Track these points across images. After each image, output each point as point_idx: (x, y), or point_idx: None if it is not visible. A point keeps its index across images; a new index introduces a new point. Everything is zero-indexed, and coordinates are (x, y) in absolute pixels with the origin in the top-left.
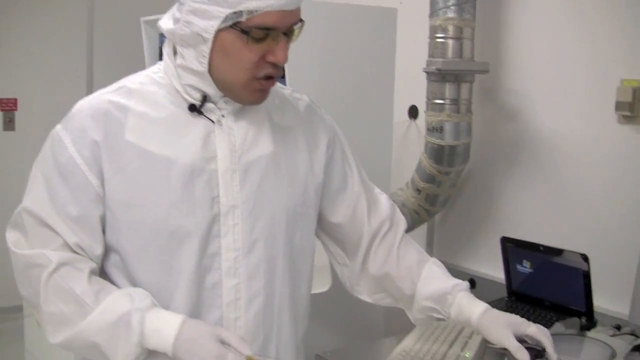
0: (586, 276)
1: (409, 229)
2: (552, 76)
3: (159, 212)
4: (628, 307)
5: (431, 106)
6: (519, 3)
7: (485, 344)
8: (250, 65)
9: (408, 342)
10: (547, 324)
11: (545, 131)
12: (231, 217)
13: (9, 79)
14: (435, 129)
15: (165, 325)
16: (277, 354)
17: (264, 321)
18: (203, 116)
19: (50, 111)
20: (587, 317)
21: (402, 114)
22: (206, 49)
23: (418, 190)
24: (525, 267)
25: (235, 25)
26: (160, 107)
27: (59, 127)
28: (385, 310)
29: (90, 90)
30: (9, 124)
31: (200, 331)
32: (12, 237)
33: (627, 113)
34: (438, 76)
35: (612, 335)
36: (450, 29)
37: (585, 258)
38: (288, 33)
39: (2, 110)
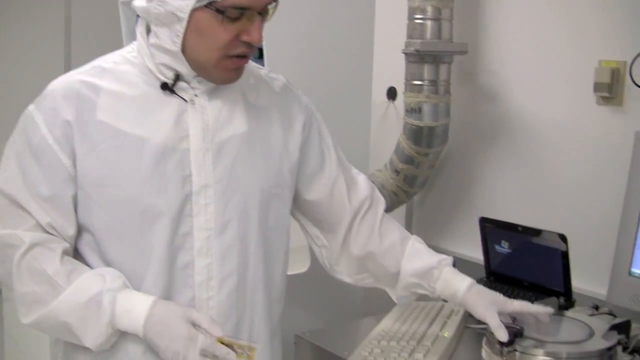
0: (564, 256)
1: (387, 210)
2: (530, 57)
3: (130, 191)
4: (606, 288)
5: (410, 87)
6: None
7: (464, 323)
8: (224, 44)
9: (387, 322)
10: None
11: (524, 112)
12: (203, 196)
13: None
14: (413, 110)
15: (136, 307)
16: (250, 335)
17: (237, 302)
18: (176, 95)
19: (27, 93)
20: (566, 297)
21: (380, 95)
22: (180, 28)
23: (397, 172)
24: (504, 247)
25: (210, 5)
26: (133, 86)
27: (31, 107)
28: (364, 291)
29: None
30: None
31: (170, 312)
32: None
33: (605, 94)
34: (416, 57)
35: (591, 315)
36: (429, 9)
37: (563, 238)
38: (263, 13)
39: None
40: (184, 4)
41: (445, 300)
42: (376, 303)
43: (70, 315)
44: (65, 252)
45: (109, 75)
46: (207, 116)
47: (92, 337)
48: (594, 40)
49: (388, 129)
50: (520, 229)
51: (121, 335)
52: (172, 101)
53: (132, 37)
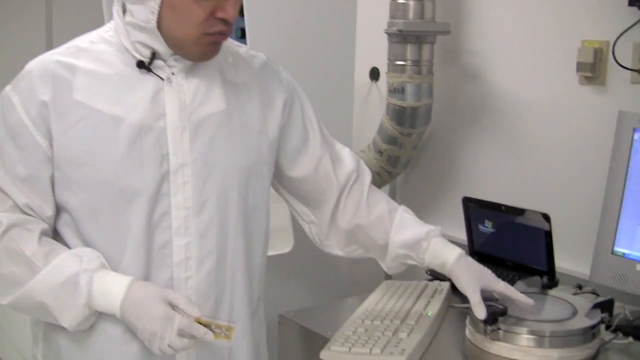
0: (548, 236)
1: None
2: (513, 37)
3: (107, 171)
4: (589, 267)
5: (392, 67)
6: None
7: (447, 303)
8: (200, 21)
9: (371, 302)
10: (509, 283)
11: (507, 92)
12: (181, 175)
13: None
14: (396, 91)
15: (112, 287)
16: (230, 315)
17: (216, 281)
18: (152, 74)
19: (8, 74)
20: (549, 277)
21: (363, 76)
22: (155, 5)
23: (380, 152)
24: (487, 227)
25: None
26: (109, 65)
27: (8, 88)
28: (348, 271)
29: None
30: None
31: (147, 293)
32: None
33: (588, 74)
34: (399, 37)
35: (574, 294)
36: None
37: (546, 218)
38: None
39: None
40: None
41: (431, 276)
42: (360, 283)
43: (46, 296)
44: (43, 233)
45: (86, 54)
46: (183, 94)
47: (69, 317)
48: (577, 20)
49: (371, 110)
50: (503, 208)
51: (100, 316)
52: (148, 80)
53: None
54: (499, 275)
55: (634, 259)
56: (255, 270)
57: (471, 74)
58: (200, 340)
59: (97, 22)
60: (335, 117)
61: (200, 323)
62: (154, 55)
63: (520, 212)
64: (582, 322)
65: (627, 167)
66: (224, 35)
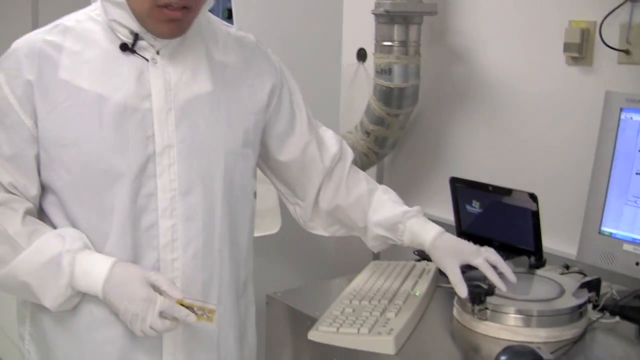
0: (535, 216)
1: None
2: (500, 18)
3: (91, 151)
4: (576, 248)
5: (379, 48)
6: None
7: (435, 282)
8: None
9: (358, 282)
10: None
11: (494, 72)
12: (167, 156)
13: None
14: (383, 71)
15: (95, 268)
16: (218, 296)
17: (202, 263)
18: (137, 55)
19: None
20: (536, 257)
21: (350, 56)
22: None
23: (367, 133)
24: (475, 207)
25: None
26: (95, 44)
27: None
28: (335, 251)
29: None
30: None
31: (130, 274)
32: None
33: (575, 54)
34: (386, 18)
35: (561, 274)
36: None
37: (534, 198)
38: None
39: None
40: None
41: (418, 257)
42: (348, 263)
43: (29, 276)
44: (27, 212)
45: (72, 33)
46: (169, 75)
47: (52, 297)
48: (564, 1)
49: (358, 91)
50: (490, 188)
51: (86, 297)
52: (133, 60)
53: None
54: None
55: (620, 239)
56: (242, 251)
57: (458, 55)
58: (182, 322)
59: (83, 1)
60: (323, 98)
61: (182, 305)
62: (137, 37)
63: (508, 192)
64: (569, 301)
65: (614, 147)
66: (178, 11)
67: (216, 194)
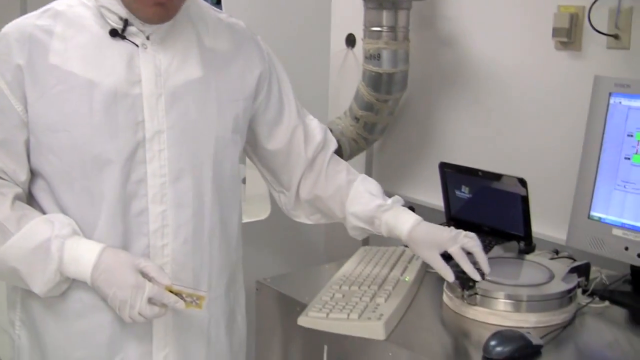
0: (524, 201)
1: (347, 158)
2: (489, 3)
3: (81, 137)
4: (566, 233)
5: (368, 34)
6: None
7: (425, 268)
8: None
9: (348, 268)
10: (486, 248)
11: (483, 58)
12: (157, 142)
13: None
14: (372, 57)
15: (84, 254)
16: (208, 282)
17: (192, 249)
18: (127, 40)
19: None
20: (526, 242)
21: (339, 42)
22: None
23: (356, 119)
24: (464, 192)
25: None
26: (85, 29)
27: None
28: (325, 237)
29: None
30: None
31: (118, 260)
32: None
33: (564, 39)
34: (375, 3)
35: (551, 259)
36: None
37: (523, 183)
38: None
39: None
40: None
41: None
42: (337, 249)
43: (18, 261)
44: (17, 198)
45: (62, 18)
46: (159, 61)
47: (40, 283)
48: None
49: (347, 76)
50: (480, 173)
51: (75, 283)
52: (123, 46)
53: None
54: None
55: (610, 224)
56: (231, 237)
57: (447, 40)
58: (171, 309)
59: None
60: (312, 84)
61: (171, 291)
62: (127, 22)
63: (497, 177)
64: (558, 286)
65: (603, 131)
66: None
67: (206, 179)
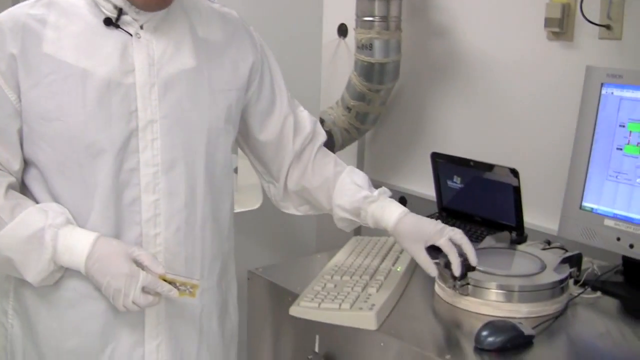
0: (516, 191)
1: (339, 148)
2: None
3: (75, 126)
4: (558, 223)
5: (360, 24)
6: None
7: None
8: None
9: (340, 258)
10: (478, 239)
11: (475, 48)
12: (150, 131)
13: None
14: (364, 47)
15: (78, 243)
16: (201, 271)
17: (185, 238)
18: (121, 29)
19: None
20: (518, 232)
21: (331, 32)
22: None
23: (348, 109)
24: (456, 182)
25: None
26: (79, 18)
27: None
28: (317, 227)
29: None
30: None
31: (112, 249)
32: None
33: (556, 29)
34: None
35: (543, 249)
36: None
37: (515, 173)
38: None
39: None
40: None
41: None
42: (329, 239)
43: (12, 250)
44: (10, 187)
45: (56, 7)
46: (152, 50)
47: (34, 272)
48: None
49: (339, 66)
50: (472, 164)
51: (68, 272)
52: (117, 35)
53: None
54: (468, 231)
55: (602, 214)
56: (223, 226)
57: (439, 30)
58: (165, 298)
59: None
60: (304, 74)
61: (165, 280)
62: (121, 11)
63: (489, 167)
64: (550, 276)
65: (595, 122)
66: None
67: (198, 169)
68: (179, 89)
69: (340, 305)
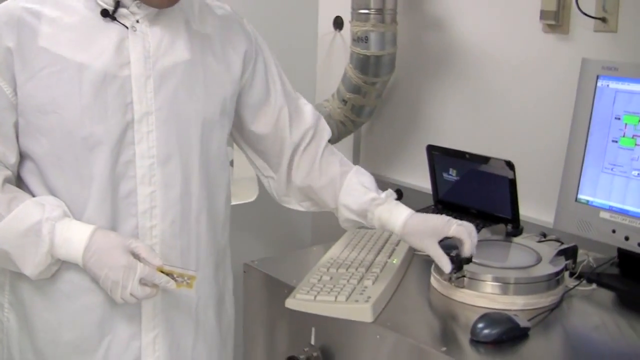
0: (512, 183)
1: (335, 141)
2: None
3: (71, 119)
4: (553, 216)
5: (356, 16)
6: None
7: (412, 250)
8: None
9: (336, 250)
10: None
11: (470, 40)
12: (145, 123)
13: None
14: (360, 39)
15: (75, 236)
16: (197, 263)
17: (180, 230)
18: (117, 22)
19: None
20: (513, 224)
21: (326, 25)
22: None
23: (344, 101)
24: (452, 175)
25: None
26: (74, 12)
27: None
28: (312, 220)
29: None
30: None
31: (109, 242)
32: None
33: (551, 22)
34: None
35: (538, 241)
36: None
37: (510, 166)
38: None
39: None
40: None
41: None
42: (325, 231)
43: (9, 244)
44: (6, 180)
45: (51, 1)
46: (148, 43)
47: (31, 266)
48: None
49: (335, 59)
50: (467, 156)
51: (65, 265)
52: (113, 28)
53: None
54: None
55: (597, 206)
56: (219, 219)
57: (435, 23)
58: (162, 289)
59: None
60: (299, 66)
61: (162, 272)
62: (118, 4)
63: (485, 160)
64: (546, 269)
65: (591, 114)
66: None
67: (193, 161)
68: (174, 82)
69: (336, 297)
